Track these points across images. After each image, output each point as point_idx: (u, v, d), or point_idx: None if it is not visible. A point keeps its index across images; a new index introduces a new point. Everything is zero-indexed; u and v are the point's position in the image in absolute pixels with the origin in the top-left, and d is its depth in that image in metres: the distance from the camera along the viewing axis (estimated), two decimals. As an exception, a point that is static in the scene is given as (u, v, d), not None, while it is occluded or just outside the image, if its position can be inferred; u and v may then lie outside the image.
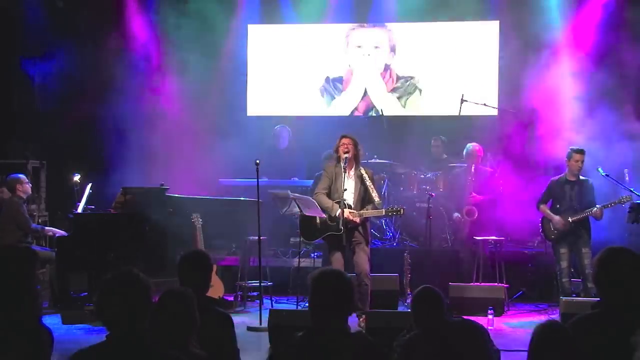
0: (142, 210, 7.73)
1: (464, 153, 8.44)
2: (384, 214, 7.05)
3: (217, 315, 3.63)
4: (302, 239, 7.26)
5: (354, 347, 2.95)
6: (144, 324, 2.70)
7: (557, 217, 7.40)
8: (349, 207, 6.75)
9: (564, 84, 9.11)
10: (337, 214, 6.69)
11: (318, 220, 6.89)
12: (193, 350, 3.09)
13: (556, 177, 7.58)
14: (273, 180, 8.96)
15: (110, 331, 2.68)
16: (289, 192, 7.32)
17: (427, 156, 9.71)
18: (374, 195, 6.78)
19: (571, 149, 7.41)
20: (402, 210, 6.89)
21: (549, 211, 7.52)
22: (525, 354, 2.91)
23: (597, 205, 7.25)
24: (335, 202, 6.77)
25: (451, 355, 3.58)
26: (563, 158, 7.49)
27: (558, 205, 7.47)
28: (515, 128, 9.31)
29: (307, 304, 6.99)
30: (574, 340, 2.76)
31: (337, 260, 6.78)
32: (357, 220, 6.75)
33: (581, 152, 7.35)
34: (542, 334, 2.84)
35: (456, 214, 8.34)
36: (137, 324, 2.67)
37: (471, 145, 8.33)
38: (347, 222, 6.69)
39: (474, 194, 8.12)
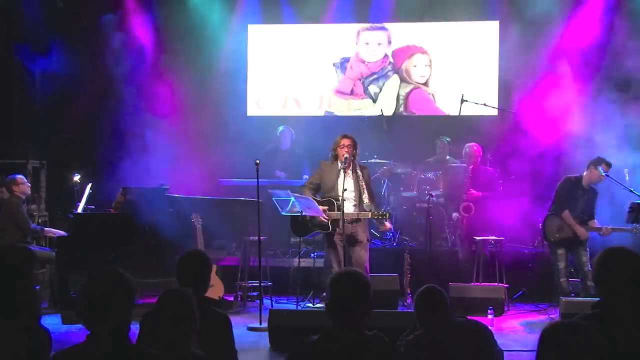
0: (142, 211, 7.73)
1: (464, 153, 8.47)
2: (370, 217, 7.03)
3: (214, 316, 3.62)
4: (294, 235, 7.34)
5: (371, 348, 2.93)
6: (126, 324, 2.67)
7: (582, 229, 7.23)
8: (355, 203, 6.84)
9: (564, 84, 9.10)
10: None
11: (308, 217, 6.93)
12: (193, 350, 3.08)
13: (572, 177, 7.38)
14: (274, 180, 8.95)
15: (90, 331, 2.65)
16: (289, 191, 7.32)
17: (427, 156, 9.69)
18: (364, 196, 6.86)
19: (603, 160, 7.18)
20: (387, 214, 6.94)
21: (573, 221, 7.25)
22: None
23: (609, 226, 7.19)
24: (328, 200, 6.86)
25: (455, 356, 3.57)
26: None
27: (568, 210, 7.32)
28: (515, 128, 9.29)
29: (306, 304, 7.00)
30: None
31: (336, 258, 6.81)
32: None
33: (610, 165, 7.20)
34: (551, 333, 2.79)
35: (455, 214, 8.35)
36: (118, 325, 2.64)
37: (470, 146, 8.34)
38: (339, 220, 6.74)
39: (471, 190, 8.12)
